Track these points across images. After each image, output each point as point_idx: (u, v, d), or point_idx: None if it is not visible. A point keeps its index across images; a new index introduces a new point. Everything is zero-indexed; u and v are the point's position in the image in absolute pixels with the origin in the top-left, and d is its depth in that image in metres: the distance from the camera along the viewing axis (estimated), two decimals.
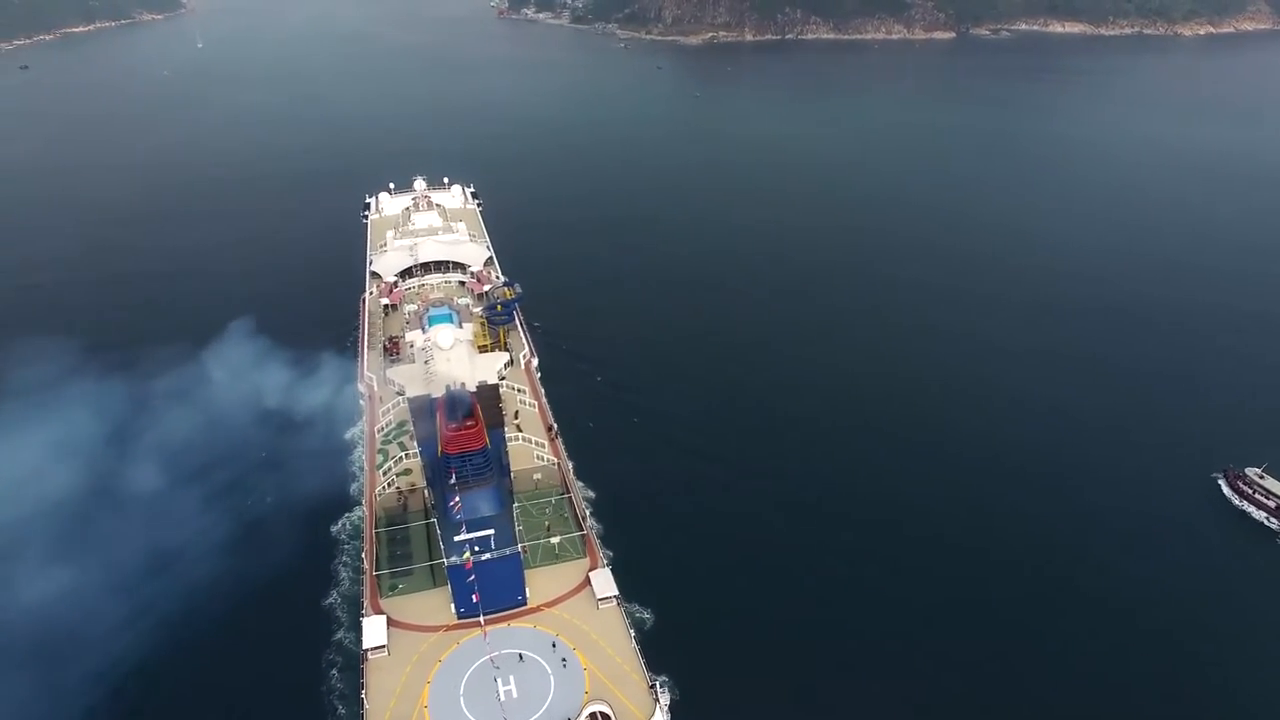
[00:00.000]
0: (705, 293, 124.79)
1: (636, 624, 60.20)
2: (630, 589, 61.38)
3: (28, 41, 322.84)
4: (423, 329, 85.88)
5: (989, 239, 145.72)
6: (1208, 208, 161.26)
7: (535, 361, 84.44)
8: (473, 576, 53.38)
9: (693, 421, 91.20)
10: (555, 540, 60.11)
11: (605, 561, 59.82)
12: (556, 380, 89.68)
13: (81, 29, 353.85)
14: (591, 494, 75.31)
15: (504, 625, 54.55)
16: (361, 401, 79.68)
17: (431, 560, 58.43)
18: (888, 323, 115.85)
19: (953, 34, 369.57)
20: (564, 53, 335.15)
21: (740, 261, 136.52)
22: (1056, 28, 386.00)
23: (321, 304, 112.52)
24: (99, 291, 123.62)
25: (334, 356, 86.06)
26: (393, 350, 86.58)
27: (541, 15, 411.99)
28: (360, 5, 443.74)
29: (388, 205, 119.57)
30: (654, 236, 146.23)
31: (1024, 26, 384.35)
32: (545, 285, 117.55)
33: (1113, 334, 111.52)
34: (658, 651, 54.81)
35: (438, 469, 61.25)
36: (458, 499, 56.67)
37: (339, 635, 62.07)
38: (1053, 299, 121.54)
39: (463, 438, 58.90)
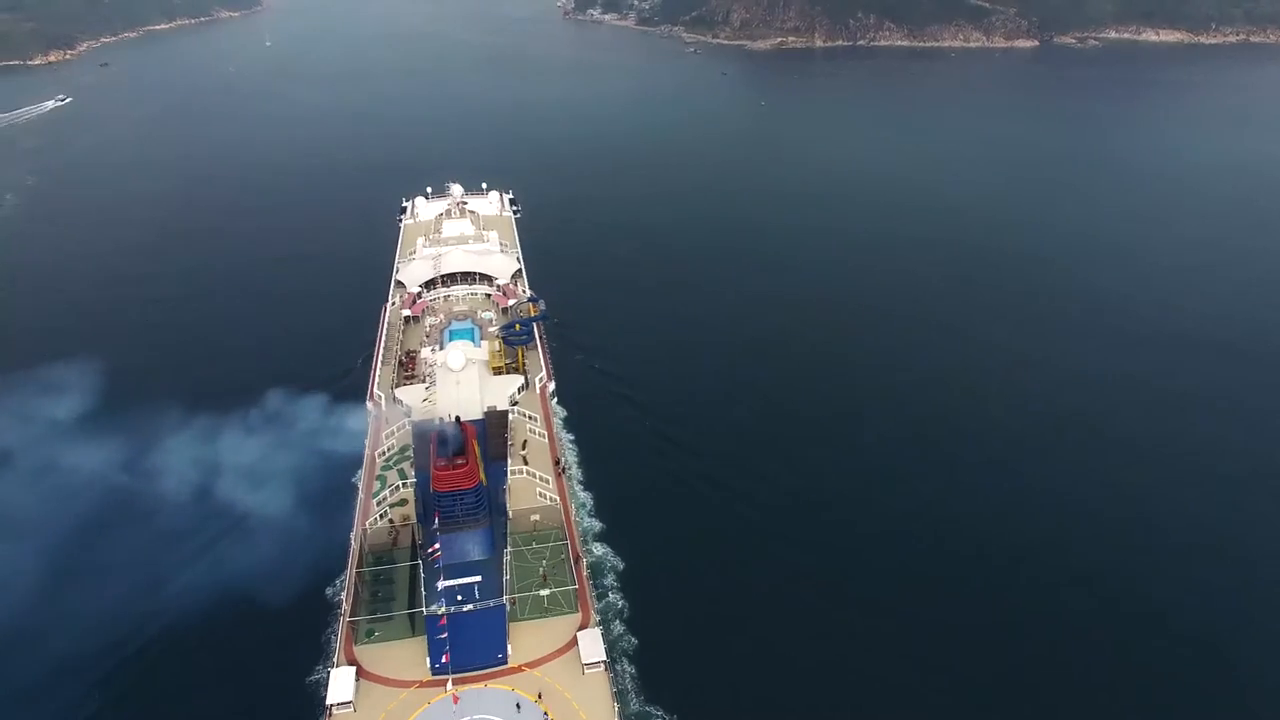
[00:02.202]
0: (757, 325, 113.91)
1: (624, 696, 54.92)
2: (630, 655, 57.54)
3: (113, 39, 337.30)
4: (441, 344, 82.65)
5: (1073, 270, 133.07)
6: None
7: (552, 386, 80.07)
8: (444, 634, 49.24)
9: (734, 471, 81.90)
10: (545, 593, 55.47)
11: (597, 620, 54.90)
12: (583, 406, 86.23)
13: (163, 26, 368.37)
14: (607, 551, 69.28)
15: (479, 685, 50.19)
16: (369, 421, 76.62)
17: (413, 606, 54.48)
18: (976, 353, 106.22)
19: (1035, 42, 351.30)
20: (626, 56, 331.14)
21: (797, 294, 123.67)
22: (1151, 36, 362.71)
23: (350, 312, 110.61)
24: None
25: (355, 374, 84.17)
26: (408, 366, 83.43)
27: (607, 16, 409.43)
28: (429, 4, 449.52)
29: (423, 210, 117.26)
30: (702, 262, 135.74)
31: (1114, 34, 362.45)
32: (578, 301, 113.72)
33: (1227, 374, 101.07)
34: None
35: (429, 505, 57.41)
36: (436, 545, 52.53)
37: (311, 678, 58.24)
38: (1158, 331, 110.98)
39: (453, 477, 54.77)
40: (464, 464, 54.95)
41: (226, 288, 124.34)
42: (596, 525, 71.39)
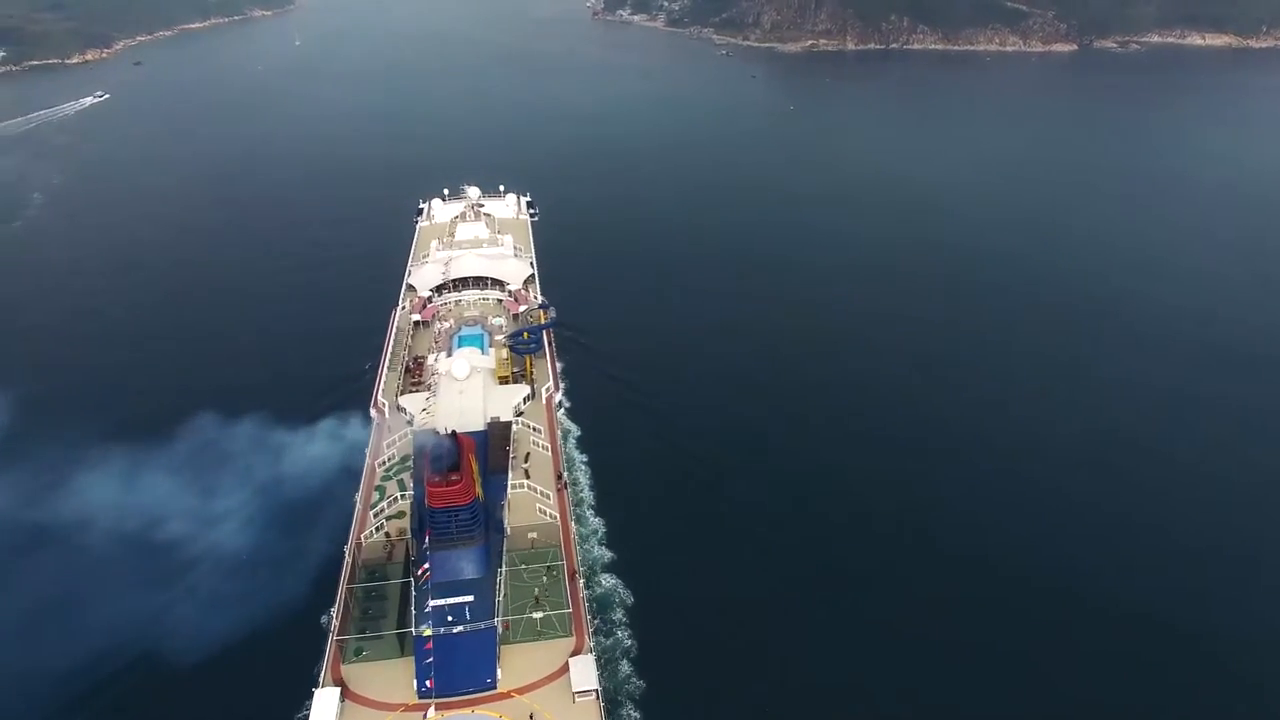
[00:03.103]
0: (785, 334, 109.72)
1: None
2: (636, 699, 55.52)
3: (149, 37, 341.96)
4: (450, 350, 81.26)
5: (1115, 281, 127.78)
6: None
7: (559, 396, 78.32)
8: (430, 659, 47.54)
9: (762, 497, 76.92)
10: (538, 616, 53.48)
11: (591, 646, 52.79)
12: (599, 421, 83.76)
13: (198, 25, 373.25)
14: (616, 584, 65.46)
15: (466, 711, 48.41)
16: (372, 429, 75.31)
17: (404, 625, 52.78)
18: (1015, 368, 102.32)
19: (1074, 46, 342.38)
20: (654, 58, 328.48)
21: (825, 303, 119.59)
22: (1196, 40, 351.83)
23: (365, 315, 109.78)
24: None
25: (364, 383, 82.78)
26: (415, 372, 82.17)
27: (636, 17, 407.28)
28: (458, 4, 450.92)
29: (439, 212, 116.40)
30: (726, 267, 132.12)
31: (1157, 39, 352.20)
32: (596, 306, 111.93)
33: None
34: None
35: (424, 520, 55.75)
36: (426, 566, 50.84)
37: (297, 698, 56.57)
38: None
39: (447, 493, 53.05)
40: (458, 480, 53.21)
41: (242, 289, 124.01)
42: (606, 555, 67.73)
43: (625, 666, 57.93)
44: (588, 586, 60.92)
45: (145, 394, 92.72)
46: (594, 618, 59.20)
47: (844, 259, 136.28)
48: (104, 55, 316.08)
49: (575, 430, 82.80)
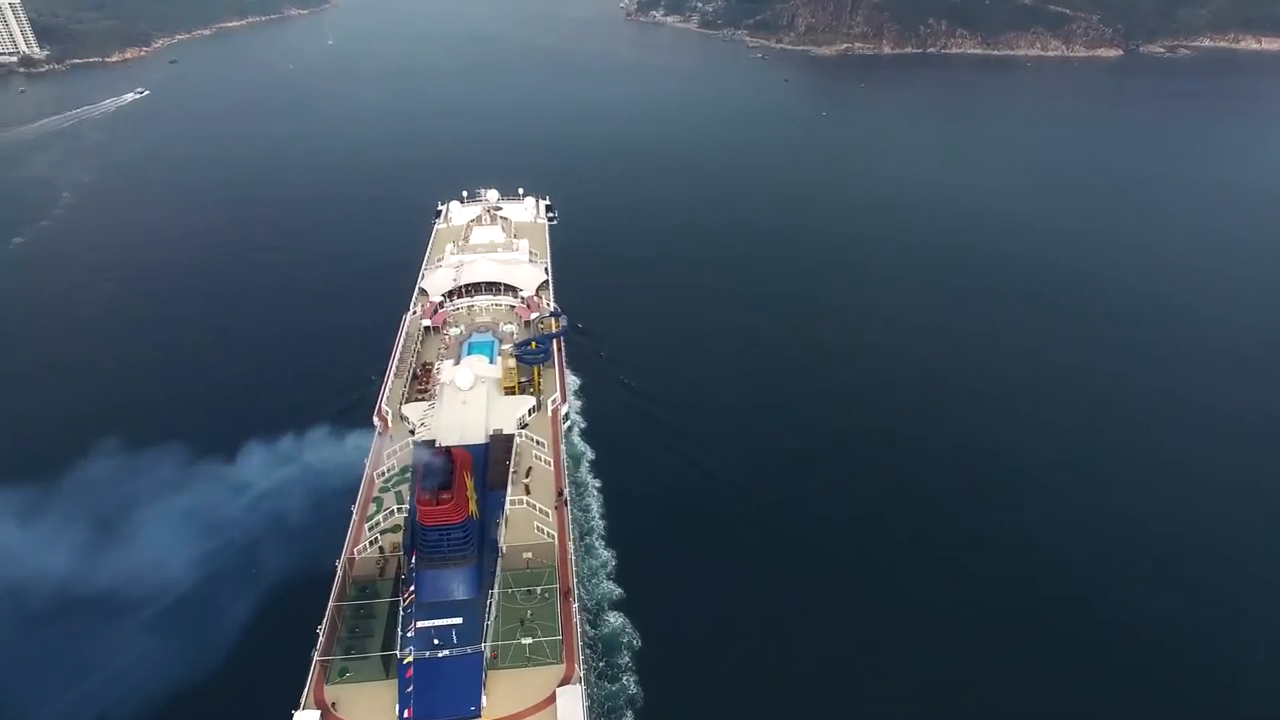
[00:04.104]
0: (814, 345, 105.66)
1: None
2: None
3: (187, 36, 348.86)
4: (459, 357, 79.64)
5: (1162, 294, 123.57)
6: None
7: (565, 409, 76.01)
8: (411, 688, 45.66)
9: (786, 528, 71.57)
10: (527, 642, 51.34)
11: (581, 675, 50.45)
12: (614, 441, 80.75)
13: (235, 24, 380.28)
14: (624, 623, 61.53)
15: None
16: (376, 437, 73.90)
17: (390, 645, 51.00)
18: (1052, 381, 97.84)
19: (1119, 51, 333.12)
20: (686, 59, 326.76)
21: (856, 313, 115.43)
22: (1250, 44, 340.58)
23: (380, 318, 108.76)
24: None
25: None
26: (422, 379, 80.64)
27: (669, 19, 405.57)
28: (494, 4, 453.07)
29: (457, 214, 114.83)
30: (750, 276, 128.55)
31: (1208, 43, 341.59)
32: (614, 313, 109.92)
33: None
34: None
35: (416, 537, 53.98)
36: (412, 590, 49.01)
37: None
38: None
39: (436, 512, 51.19)
40: (449, 499, 51.33)
41: (261, 288, 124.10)
42: (615, 591, 63.86)
43: (629, 719, 54.89)
44: (594, 625, 58.25)
45: (146, 398, 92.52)
46: (599, 660, 56.68)
47: (882, 271, 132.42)
48: (142, 54, 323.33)
49: (589, 453, 79.54)
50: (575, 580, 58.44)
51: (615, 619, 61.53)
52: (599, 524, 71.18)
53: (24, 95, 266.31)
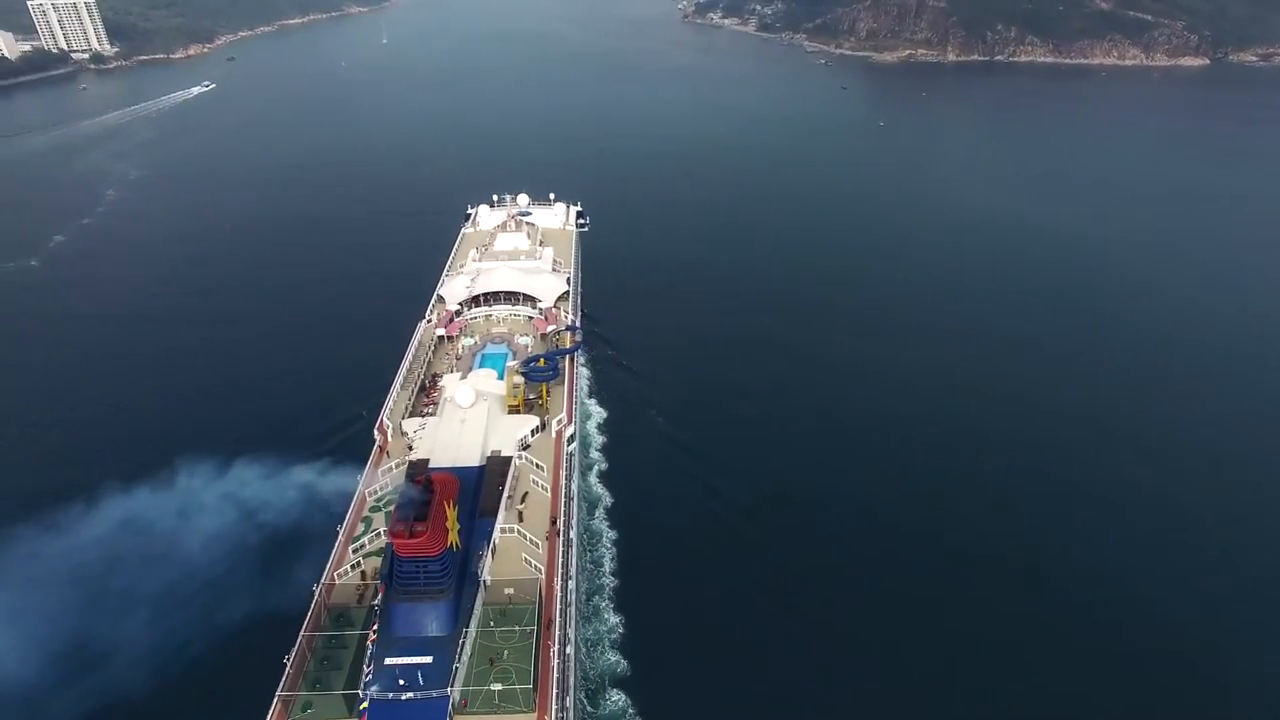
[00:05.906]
0: (859, 368, 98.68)
1: None
2: None
3: (250, 33, 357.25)
4: (469, 369, 76.80)
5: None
6: None
7: (571, 430, 72.33)
8: None
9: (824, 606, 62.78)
10: (497, 688, 47.67)
11: None
12: (635, 479, 75.57)
13: (296, 21, 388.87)
14: (626, 704, 55.16)
15: None
16: (373, 451, 71.32)
17: (355, 682, 48.05)
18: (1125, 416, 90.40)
19: (1205, 61, 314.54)
20: (742, 64, 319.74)
21: (908, 335, 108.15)
22: None
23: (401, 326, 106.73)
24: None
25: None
26: (429, 392, 78.02)
27: (727, 21, 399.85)
28: (551, 3, 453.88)
29: (485, 219, 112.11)
30: (787, 292, 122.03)
31: None
32: (640, 326, 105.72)
33: None
34: None
35: (390, 567, 50.85)
36: (374, 628, 45.86)
37: None
38: None
39: (410, 545, 47.94)
40: (423, 531, 48.01)
41: (296, 286, 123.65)
42: (620, 664, 57.57)
43: None
44: (592, 702, 52.89)
45: (147, 398, 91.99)
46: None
47: (922, 288, 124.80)
48: (205, 50, 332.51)
49: (607, 498, 73.66)
50: (560, 618, 54.64)
51: (616, 698, 55.34)
52: (609, 580, 64.70)
53: (85, 92, 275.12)
